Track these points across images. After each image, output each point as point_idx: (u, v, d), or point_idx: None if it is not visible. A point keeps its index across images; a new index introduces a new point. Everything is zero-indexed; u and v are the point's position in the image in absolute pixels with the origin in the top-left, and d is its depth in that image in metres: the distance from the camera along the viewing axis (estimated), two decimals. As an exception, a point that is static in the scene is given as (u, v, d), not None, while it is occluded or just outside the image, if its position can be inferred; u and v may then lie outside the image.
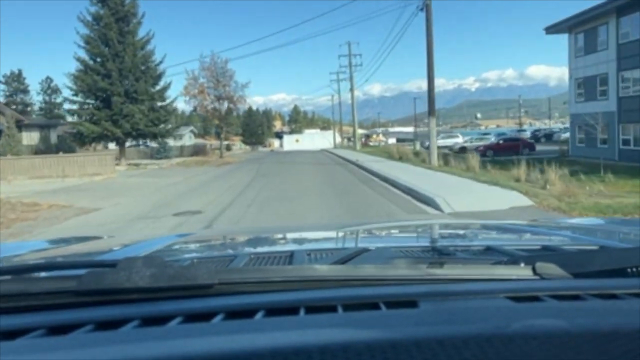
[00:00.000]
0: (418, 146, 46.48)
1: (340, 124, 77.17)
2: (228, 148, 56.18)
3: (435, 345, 0.48)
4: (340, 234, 1.78)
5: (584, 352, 0.48)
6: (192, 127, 75.25)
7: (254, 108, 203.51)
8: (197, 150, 44.11)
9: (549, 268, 0.75)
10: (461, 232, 1.79)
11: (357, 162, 23.59)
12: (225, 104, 37.15)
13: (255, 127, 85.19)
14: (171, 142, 69.86)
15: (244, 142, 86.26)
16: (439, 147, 47.65)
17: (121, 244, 1.68)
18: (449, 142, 46.91)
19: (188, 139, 72.75)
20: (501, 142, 35.56)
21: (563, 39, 28.88)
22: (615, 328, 0.51)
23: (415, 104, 65.09)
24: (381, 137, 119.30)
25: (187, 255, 1.37)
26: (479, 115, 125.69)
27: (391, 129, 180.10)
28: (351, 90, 53.71)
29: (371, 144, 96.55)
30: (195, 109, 37.27)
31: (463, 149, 36.45)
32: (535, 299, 0.66)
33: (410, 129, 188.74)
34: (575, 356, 0.48)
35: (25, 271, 0.88)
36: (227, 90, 36.29)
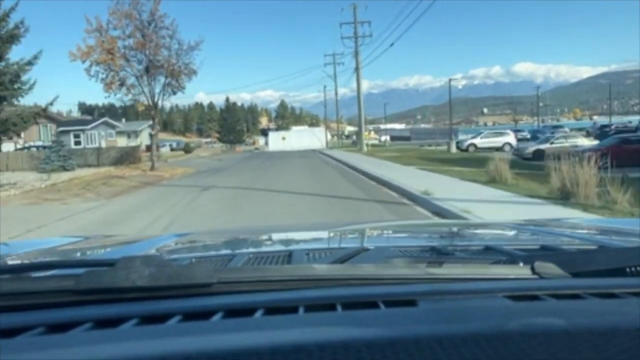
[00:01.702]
0: (454, 147, 31.94)
1: (337, 119, 62.01)
2: (187, 149, 40.73)
3: (434, 343, 0.47)
4: (339, 234, 1.73)
5: (583, 351, 0.47)
6: (151, 122, 59.46)
7: (239, 104, 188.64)
8: (125, 155, 28.63)
9: (548, 267, 0.74)
10: (460, 232, 1.76)
11: (429, 196, 8.72)
12: (162, 79, 21.65)
13: (234, 123, 69.63)
14: (124, 141, 54.24)
15: (221, 140, 70.91)
16: (478, 148, 33.25)
17: (120, 243, 1.65)
18: (497, 141, 32.61)
19: (147, 137, 57.14)
20: (623, 144, 20.78)
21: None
22: (614, 327, 0.50)
23: (452, 91, 50.52)
24: (373, 134, 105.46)
25: (185, 255, 1.35)
26: (485, 110, 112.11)
27: (383, 126, 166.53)
28: (356, 70, 38.59)
29: (365, 142, 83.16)
30: (108, 86, 20.45)
31: (539, 154, 21.94)
32: (534, 298, 0.65)
33: (401, 126, 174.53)
34: (574, 355, 0.47)
35: (24, 270, 0.87)
36: (161, 55, 20.88)
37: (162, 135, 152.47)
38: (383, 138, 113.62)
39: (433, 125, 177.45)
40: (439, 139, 75.11)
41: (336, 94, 58.53)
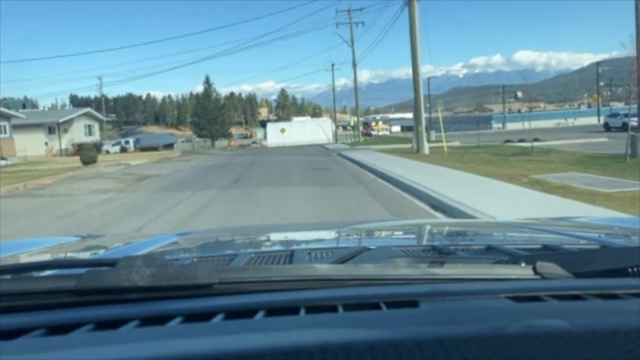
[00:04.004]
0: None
1: (356, 99, 43.32)
2: (86, 157, 21.83)
3: (436, 345, 0.46)
4: (341, 233, 1.69)
5: (585, 352, 0.46)
6: (87, 110, 40.17)
7: (237, 94, 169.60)
8: None
9: (549, 268, 0.72)
10: (461, 231, 1.72)
11: None
12: None
13: (217, 113, 51.01)
14: (39, 138, 35.52)
15: (199, 133, 52.54)
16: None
17: (121, 243, 1.63)
18: None
19: (84, 131, 38.49)
20: None
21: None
22: (616, 328, 0.49)
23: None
24: (381, 124, 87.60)
25: (187, 255, 1.32)
26: (519, 94, 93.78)
27: (392, 116, 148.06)
28: (409, 2, 20.18)
29: (374, 133, 65.48)
30: None
31: None
32: (536, 298, 0.63)
33: (409, 115, 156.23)
34: (576, 356, 0.46)
35: (25, 270, 0.85)
36: None
37: (153, 129, 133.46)
38: (394, 129, 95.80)
39: (444, 114, 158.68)
40: (467, 129, 57.96)
41: (354, 65, 39.91)
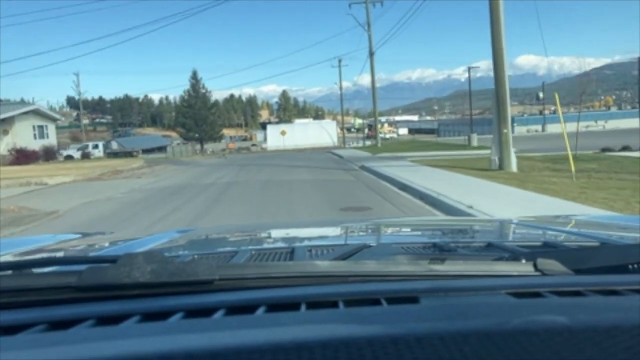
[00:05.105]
0: None
1: (373, 96, 35.35)
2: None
3: (436, 340, 0.46)
4: (342, 230, 1.69)
5: (585, 349, 0.45)
6: (35, 107, 31.96)
7: (237, 96, 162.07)
8: None
9: (550, 264, 0.72)
10: (462, 229, 1.72)
11: None
12: None
13: (206, 112, 43.30)
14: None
15: (185, 136, 44.93)
16: None
17: (122, 240, 1.62)
18: None
19: (32, 133, 30.56)
20: None
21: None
22: (616, 324, 0.49)
23: None
24: (387, 127, 79.95)
25: (187, 251, 1.32)
26: (541, 95, 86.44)
27: (397, 118, 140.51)
28: None
29: (380, 136, 57.91)
30: None
31: None
32: (536, 295, 0.62)
33: (414, 118, 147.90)
34: (576, 352, 0.45)
35: (26, 266, 0.83)
36: None
37: (149, 130, 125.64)
38: (401, 131, 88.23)
39: (446, 117, 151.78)
40: (483, 132, 50.72)
41: (371, 55, 32.11)
